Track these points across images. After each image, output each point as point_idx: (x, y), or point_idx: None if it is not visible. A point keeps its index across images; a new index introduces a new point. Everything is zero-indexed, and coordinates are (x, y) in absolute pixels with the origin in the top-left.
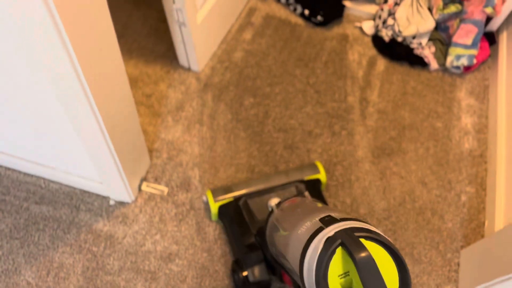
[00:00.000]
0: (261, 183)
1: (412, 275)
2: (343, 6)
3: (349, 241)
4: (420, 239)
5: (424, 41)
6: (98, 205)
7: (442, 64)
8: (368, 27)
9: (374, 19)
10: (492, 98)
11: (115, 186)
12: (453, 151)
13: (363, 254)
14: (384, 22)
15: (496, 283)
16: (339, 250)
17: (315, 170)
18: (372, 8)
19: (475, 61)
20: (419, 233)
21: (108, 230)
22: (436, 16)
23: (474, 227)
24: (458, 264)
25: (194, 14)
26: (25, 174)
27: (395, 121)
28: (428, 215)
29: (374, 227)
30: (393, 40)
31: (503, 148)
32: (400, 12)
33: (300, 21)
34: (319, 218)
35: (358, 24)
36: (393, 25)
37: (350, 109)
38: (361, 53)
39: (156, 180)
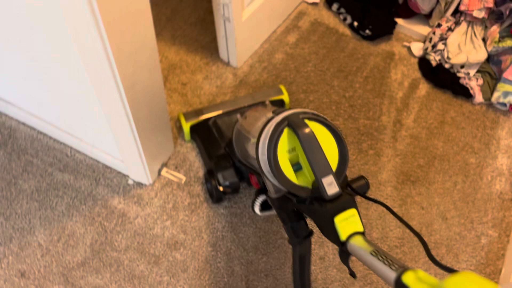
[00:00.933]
0: (229, 106)
1: None
2: (394, 23)
3: (294, 121)
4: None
5: (472, 71)
6: (117, 182)
7: (487, 98)
8: (417, 48)
9: (424, 41)
10: None
11: (134, 166)
12: (482, 190)
13: (305, 130)
14: (434, 46)
15: None
16: (287, 131)
17: (279, 92)
18: (424, 30)
19: None
20: (429, 268)
21: (122, 208)
22: (490, 48)
23: (489, 273)
24: None
25: (240, 10)
26: (55, 140)
27: (426, 149)
28: (443, 251)
29: (321, 114)
30: (440, 66)
31: None
32: (453, 38)
33: (347, 31)
34: (272, 111)
35: (406, 44)
36: (442, 50)
37: (382, 129)
38: (404, 74)
39: (176, 168)
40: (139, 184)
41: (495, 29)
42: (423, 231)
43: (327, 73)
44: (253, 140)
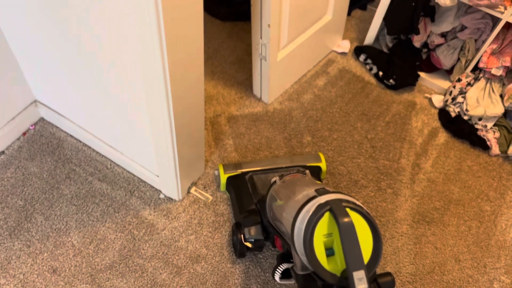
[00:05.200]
0: (267, 164)
1: None
2: (417, 76)
3: (336, 208)
4: None
5: (490, 124)
6: (150, 195)
7: (504, 151)
8: (437, 100)
9: (444, 94)
10: None
11: (168, 182)
12: (496, 237)
13: (345, 220)
14: (454, 98)
15: None
16: (327, 215)
17: (318, 159)
18: (445, 84)
19: None
20: None
21: (152, 219)
22: (507, 104)
23: None
24: None
25: (276, 51)
26: (98, 153)
27: (442, 193)
28: None
29: (360, 202)
30: (458, 117)
31: None
32: (472, 92)
33: (373, 80)
34: (315, 189)
35: (428, 95)
36: (462, 103)
37: (401, 170)
38: (424, 122)
39: (204, 188)
40: (169, 199)
41: None
42: (436, 270)
43: (351, 115)
44: (279, 202)
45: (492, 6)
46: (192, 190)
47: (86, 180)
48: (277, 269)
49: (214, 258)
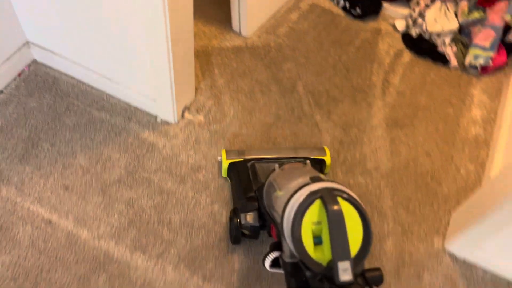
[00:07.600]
0: (271, 153)
1: (404, 223)
2: (380, 5)
3: (327, 196)
4: (416, 196)
5: (447, 40)
6: (147, 120)
7: (461, 63)
8: (400, 25)
9: (406, 19)
10: (503, 99)
11: (165, 104)
12: (460, 134)
13: (335, 208)
14: (414, 21)
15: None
16: (318, 202)
17: (322, 152)
18: (405, 11)
19: (491, 62)
20: (416, 191)
21: (152, 140)
22: (461, 20)
23: (469, 196)
24: (448, 222)
25: None
26: (92, 87)
27: (411, 102)
28: (428, 179)
29: (354, 194)
30: (420, 37)
31: (505, 138)
32: (429, 13)
33: (341, 12)
34: (310, 176)
35: (391, 22)
36: (421, 24)
37: (373, 86)
38: (390, 45)
39: (197, 112)
40: (166, 122)
41: (464, 4)
42: (410, 164)
43: (325, 43)
44: (279, 193)
45: None
46: (186, 114)
47: (85, 110)
48: (267, 257)
49: (213, 168)
